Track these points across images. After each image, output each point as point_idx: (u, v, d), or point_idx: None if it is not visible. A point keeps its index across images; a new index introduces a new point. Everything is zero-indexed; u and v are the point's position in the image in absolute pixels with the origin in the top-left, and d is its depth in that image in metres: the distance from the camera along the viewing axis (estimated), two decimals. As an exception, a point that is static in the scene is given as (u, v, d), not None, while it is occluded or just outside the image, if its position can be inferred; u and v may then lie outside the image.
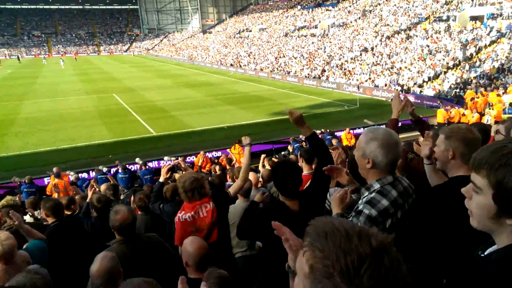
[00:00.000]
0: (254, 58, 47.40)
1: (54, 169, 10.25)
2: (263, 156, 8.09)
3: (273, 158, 9.17)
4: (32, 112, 22.44)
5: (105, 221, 3.79)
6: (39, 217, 5.53)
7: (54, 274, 2.41)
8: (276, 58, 43.44)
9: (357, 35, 37.74)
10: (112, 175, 10.81)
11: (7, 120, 20.38)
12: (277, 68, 39.97)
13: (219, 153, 13.87)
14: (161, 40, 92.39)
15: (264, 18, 67.45)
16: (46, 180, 11.34)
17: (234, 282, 2.28)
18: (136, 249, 2.83)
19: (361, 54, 33.10)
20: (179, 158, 12.56)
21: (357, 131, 15.39)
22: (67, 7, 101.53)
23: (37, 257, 2.93)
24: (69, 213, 4.28)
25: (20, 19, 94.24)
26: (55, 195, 9.29)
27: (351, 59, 33.17)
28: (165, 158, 13.13)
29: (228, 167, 9.59)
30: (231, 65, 48.78)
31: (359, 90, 26.56)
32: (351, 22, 42.59)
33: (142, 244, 2.91)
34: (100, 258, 2.26)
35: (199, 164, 11.90)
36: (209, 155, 13.46)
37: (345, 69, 31.72)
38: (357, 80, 28.63)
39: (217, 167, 10.25)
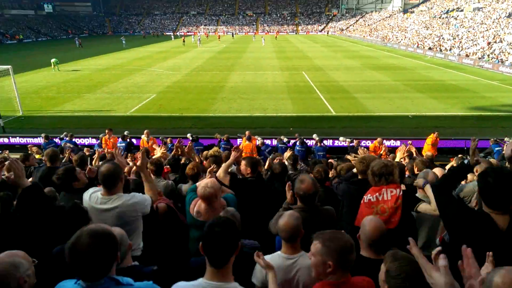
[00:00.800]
0: (460, 42, 40.99)
1: (247, 133, 11.92)
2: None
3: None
4: (237, 82, 26.35)
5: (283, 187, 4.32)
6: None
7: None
8: (489, 43, 36.35)
9: None
10: (291, 146, 11.85)
11: (217, 87, 24.67)
12: (488, 55, 33.50)
13: (397, 143, 13.07)
14: (357, 21, 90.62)
15: (483, -6, 56.67)
16: (238, 141, 13.40)
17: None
18: (314, 219, 3.04)
19: None
20: (354, 141, 12.51)
21: None
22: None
23: (230, 205, 3.53)
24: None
25: (239, 0, 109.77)
26: (243, 155, 10.93)
27: None
28: (341, 138, 13.35)
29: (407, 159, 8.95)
30: (430, 48, 43.72)
31: None
32: None
33: (319, 216, 3.12)
34: (288, 215, 2.55)
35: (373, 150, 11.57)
36: (387, 143, 12.87)
37: None
38: None
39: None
